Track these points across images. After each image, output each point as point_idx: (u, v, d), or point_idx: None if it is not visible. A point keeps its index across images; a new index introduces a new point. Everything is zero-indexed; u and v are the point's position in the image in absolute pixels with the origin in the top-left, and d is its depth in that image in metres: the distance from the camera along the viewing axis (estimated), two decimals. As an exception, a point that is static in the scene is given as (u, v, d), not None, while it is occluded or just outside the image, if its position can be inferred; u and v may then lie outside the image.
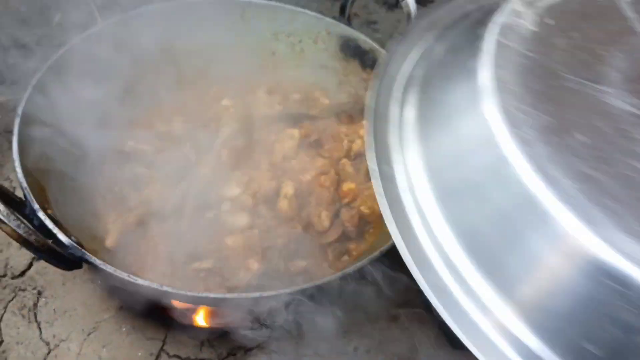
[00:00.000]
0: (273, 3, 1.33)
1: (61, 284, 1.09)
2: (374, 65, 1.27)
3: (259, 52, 1.38)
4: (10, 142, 0.95)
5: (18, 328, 1.06)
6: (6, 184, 1.22)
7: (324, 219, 1.08)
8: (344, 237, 1.10)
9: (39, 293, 1.09)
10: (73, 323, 1.06)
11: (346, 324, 1.09)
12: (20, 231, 0.72)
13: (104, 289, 1.08)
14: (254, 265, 0.95)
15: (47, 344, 1.04)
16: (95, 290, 1.08)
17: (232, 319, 1.12)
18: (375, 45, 1.26)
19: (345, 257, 1.10)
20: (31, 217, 0.86)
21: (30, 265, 1.12)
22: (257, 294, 0.82)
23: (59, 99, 1.07)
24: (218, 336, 1.07)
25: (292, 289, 0.83)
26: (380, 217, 1.15)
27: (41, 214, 0.85)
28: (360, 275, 0.90)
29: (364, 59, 1.30)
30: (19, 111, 0.98)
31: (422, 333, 1.12)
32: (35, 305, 1.08)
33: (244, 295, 0.82)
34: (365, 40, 1.28)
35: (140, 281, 0.81)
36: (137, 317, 1.07)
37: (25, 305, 1.08)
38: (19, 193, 0.90)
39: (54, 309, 1.07)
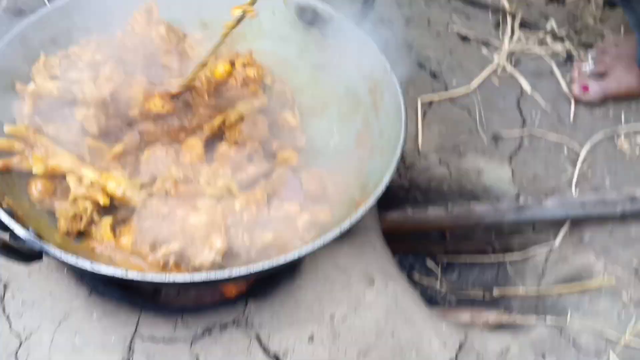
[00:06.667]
0: None
1: (27, 275, 1.07)
2: (332, 33, 1.25)
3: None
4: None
5: (-14, 322, 1.04)
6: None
7: None
8: None
9: (5, 286, 1.07)
10: (43, 313, 1.04)
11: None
12: (-29, 228, 0.70)
13: (71, 276, 1.07)
14: (217, 242, 0.94)
15: (18, 336, 1.02)
16: (63, 279, 1.07)
17: (205, 296, 1.12)
18: (333, 12, 1.24)
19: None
20: (-15, 210, 0.84)
21: (-8, 258, 1.10)
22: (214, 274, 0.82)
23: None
24: (193, 314, 1.07)
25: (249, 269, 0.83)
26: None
27: (-5, 207, 0.83)
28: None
29: (323, 27, 1.27)
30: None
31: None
32: (2, 298, 1.06)
33: (204, 275, 0.82)
34: (322, 8, 1.25)
35: (104, 269, 0.80)
36: (108, 301, 1.06)
37: (-9, 299, 1.06)
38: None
39: (22, 301, 1.05)
